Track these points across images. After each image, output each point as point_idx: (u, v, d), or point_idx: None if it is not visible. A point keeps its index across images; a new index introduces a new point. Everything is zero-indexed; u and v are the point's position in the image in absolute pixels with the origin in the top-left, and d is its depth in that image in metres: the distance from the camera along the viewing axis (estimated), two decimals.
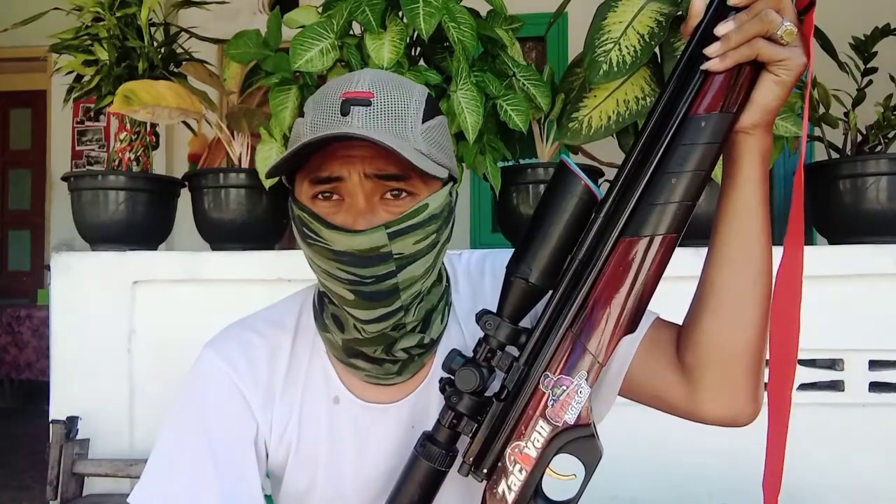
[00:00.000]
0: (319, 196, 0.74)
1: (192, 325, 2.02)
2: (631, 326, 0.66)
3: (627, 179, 0.66)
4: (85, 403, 1.99)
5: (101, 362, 2.02)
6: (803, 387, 1.91)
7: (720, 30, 0.62)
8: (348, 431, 0.82)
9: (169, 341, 2.02)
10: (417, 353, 0.80)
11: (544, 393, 0.67)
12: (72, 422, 1.94)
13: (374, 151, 0.71)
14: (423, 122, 0.74)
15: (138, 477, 1.89)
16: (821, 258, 1.90)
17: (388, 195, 0.73)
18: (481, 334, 0.71)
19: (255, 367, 0.82)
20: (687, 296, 0.78)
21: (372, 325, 0.75)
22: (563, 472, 0.68)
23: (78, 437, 1.95)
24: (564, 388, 0.66)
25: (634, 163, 0.66)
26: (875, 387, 1.90)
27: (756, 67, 0.65)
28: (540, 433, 0.66)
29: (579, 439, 0.67)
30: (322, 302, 0.82)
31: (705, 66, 0.63)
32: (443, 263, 0.85)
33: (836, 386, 1.91)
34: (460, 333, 0.85)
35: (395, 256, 0.71)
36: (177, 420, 0.82)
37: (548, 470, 0.68)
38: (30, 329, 4.67)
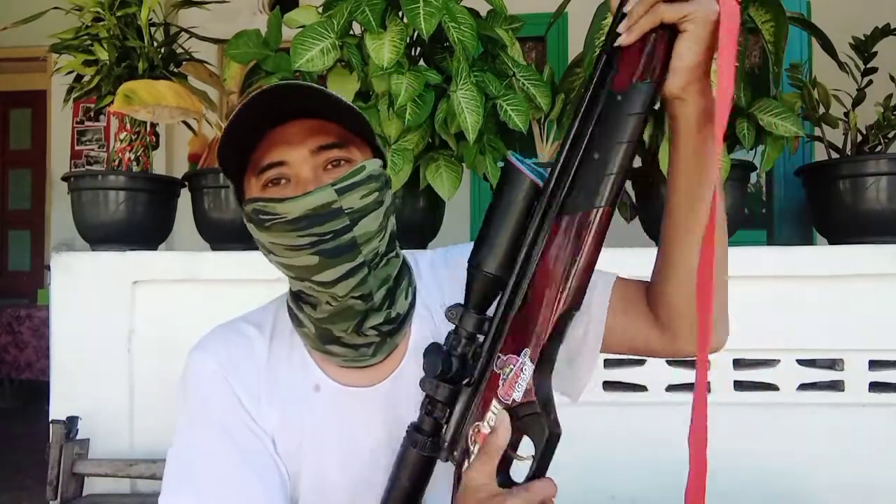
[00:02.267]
0: (269, 184, 0.80)
1: (192, 325, 2.01)
2: (574, 301, 0.68)
3: (564, 163, 0.69)
4: (85, 403, 1.99)
5: (101, 362, 2.01)
6: (803, 387, 1.91)
7: (627, 7, 0.66)
8: (330, 416, 0.85)
9: (169, 341, 2.01)
10: (387, 331, 0.84)
11: (497, 374, 0.70)
12: (72, 422, 1.94)
13: (310, 129, 0.79)
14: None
15: (138, 477, 1.87)
16: (821, 258, 1.91)
17: (329, 166, 0.80)
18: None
19: (239, 366, 0.86)
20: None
21: (340, 284, 0.78)
22: (524, 454, 0.70)
23: (78, 437, 1.95)
24: (512, 366, 0.69)
25: (570, 146, 0.69)
26: (875, 387, 1.89)
27: (672, 33, 0.66)
28: (494, 413, 0.69)
29: (528, 417, 0.69)
30: (297, 298, 0.87)
31: (617, 41, 0.66)
32: (398, 246, 0.90)
33: (836, 386, 1.91)
34: (431, 319, 0.89)
35: (347, 211, 0.76)
36: (184, 422, 0.85)
37: (508, 450, 0.69)
38: (30, 329, 4.67)
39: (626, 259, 2.00)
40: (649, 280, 0.84)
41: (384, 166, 0.85)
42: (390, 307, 0.84)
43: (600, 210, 0.66)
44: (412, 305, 0.88)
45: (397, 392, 0.85)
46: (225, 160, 0.82)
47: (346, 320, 0.81)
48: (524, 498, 0.65)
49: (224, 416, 0.83)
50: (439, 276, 0.93)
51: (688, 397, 1.92)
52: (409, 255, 0.95)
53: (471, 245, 0.76)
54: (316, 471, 0.84)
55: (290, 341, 0.88)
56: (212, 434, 0.83)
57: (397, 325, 0.85)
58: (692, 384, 2.14)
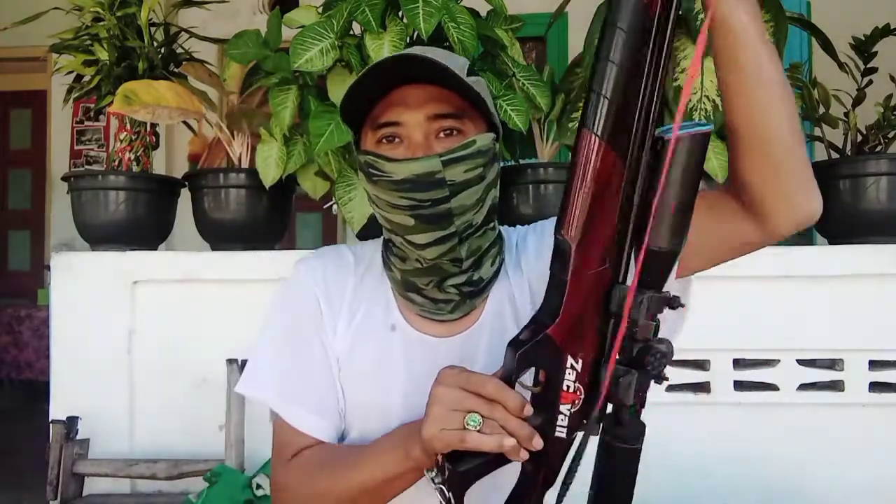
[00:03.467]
0: (383, 141, 0.84)
1: (192, 325, 2.02)
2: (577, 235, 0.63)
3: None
4: (85, 403, 1.99)
5: (101, 362, 2.02)
6: (803, 387, 1.91)
7: None
8: (400, 356, 0.90)
9: (169, 341, 2.02)
10: (468, 291, 0.88)
11: None
12: (72, 422, 1.94)
13: (429, 95, 0.83)
14: (467, 76, 0.83)
15: (139, 477, 1.88)
16: (821, 258, 1.91)
17: (442, 134, 0.84)
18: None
19: (331, 284, 0.94)
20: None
21: (430, 249, 0.84)
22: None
23: (78, 437, 1.95)
24: None
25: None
26: (875, 387, 1.89)
27: None
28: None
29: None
30: (387, 247, 0.93)
31: None
32: (497, 219, 0.94)
33: (836, 386, 1.91)
34: (508, 286, 0.93)
35: (449, 183, 0.80)
36: (272, 316, 0.95)
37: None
38: (30, 329, 4.67)
39: None
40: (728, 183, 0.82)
41: (497, 140, 0.88)
42: (474, 271, 0.88)
43: (589, 134, 0.60)
44: (496, 274, 0.91)
45: (466, 348, 0.89)
46: (346, 111, 0.86)
47: (431, 276, 0.87)
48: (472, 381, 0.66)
49: (303, 325, 0.92)
50: (520, 248, 0.96)
51: (688, 397, 1.92)
52: (505, 230, 1.00)
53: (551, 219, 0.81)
54: (382, 401, 0.89)
55: (380, 279, 0.94)
56: (290, 340, 0.92)
57: (478, 289, 0.89)
58: (692, 384, 2.15)
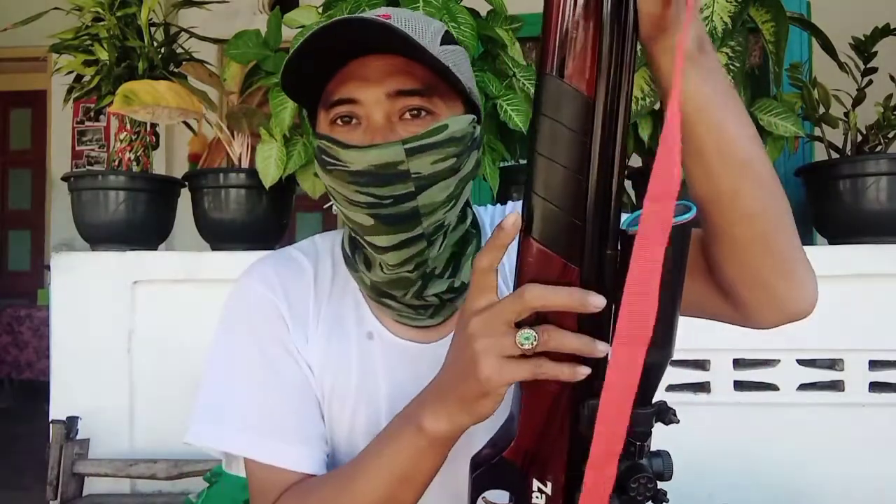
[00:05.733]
0: (338, 122, 0.71)
1: (192, 325, 2.02)
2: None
3: None
4: (85, 403, 1.99)
5: (101, 362, 2.01)
6: (803, 387, 1.91)
7: None
8: (379, 367, 0.78)
9: (169, 341, 2.02)
10: (449, 298, 0.76)
11: None
12: (72, 422, 1.94)
13: (392, 68, 0.68)
14: (440, 44, 0.70)
15: (138, 477, 1.88)
16: (821, 258, 1.90)
17: (408, 115, 0.70)
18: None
19: (290, 291, 0.79)
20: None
21: (392, 253, 0.71)
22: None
23: (78, 437, 1.95)
24: None
25: None
26: (875, 387, 1.89)
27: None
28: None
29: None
30: (353, 243, 0.79)
31: None
32: (473, 208, 0.82)
33: (836, 386, 1.91)
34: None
35: (414, 175, 0.67)
36: (223, 346, 0.80)
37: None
38: (30, 329, 4.67)
39: None
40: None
41: (478, 122, 0.74)
42: (454, 275, 0.76)
43: (533, 243, 0.52)
44: None
45: None
46: (290, 87, 0.73)
47: (403, 288, 0.74)
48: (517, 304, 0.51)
49: (268, 344, 0.77)
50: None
51: (688, 397, 1.92)
52: (477, 211, 0.85)
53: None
54: (366, 416, 0.77)
55: (344, 279, 0.81)
56: (254, 364, 0.76)
57: (460, 294, 0.76)
58: (692, 384, 2.14)
